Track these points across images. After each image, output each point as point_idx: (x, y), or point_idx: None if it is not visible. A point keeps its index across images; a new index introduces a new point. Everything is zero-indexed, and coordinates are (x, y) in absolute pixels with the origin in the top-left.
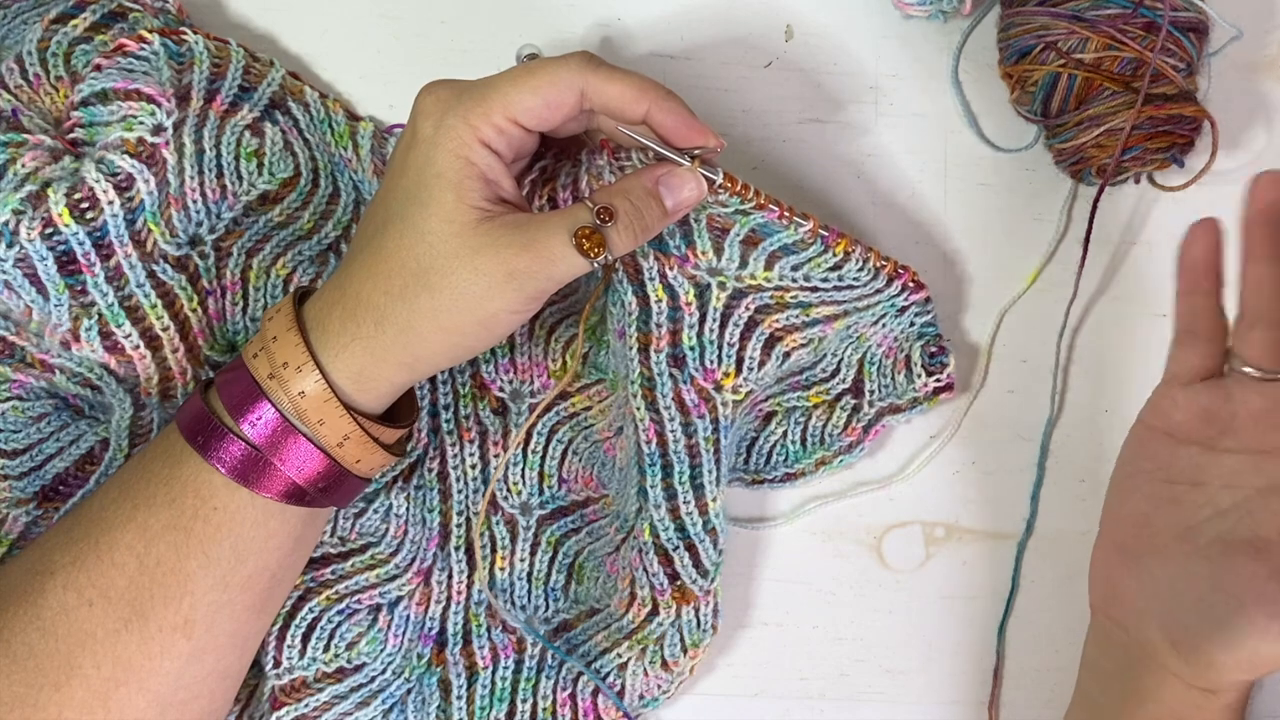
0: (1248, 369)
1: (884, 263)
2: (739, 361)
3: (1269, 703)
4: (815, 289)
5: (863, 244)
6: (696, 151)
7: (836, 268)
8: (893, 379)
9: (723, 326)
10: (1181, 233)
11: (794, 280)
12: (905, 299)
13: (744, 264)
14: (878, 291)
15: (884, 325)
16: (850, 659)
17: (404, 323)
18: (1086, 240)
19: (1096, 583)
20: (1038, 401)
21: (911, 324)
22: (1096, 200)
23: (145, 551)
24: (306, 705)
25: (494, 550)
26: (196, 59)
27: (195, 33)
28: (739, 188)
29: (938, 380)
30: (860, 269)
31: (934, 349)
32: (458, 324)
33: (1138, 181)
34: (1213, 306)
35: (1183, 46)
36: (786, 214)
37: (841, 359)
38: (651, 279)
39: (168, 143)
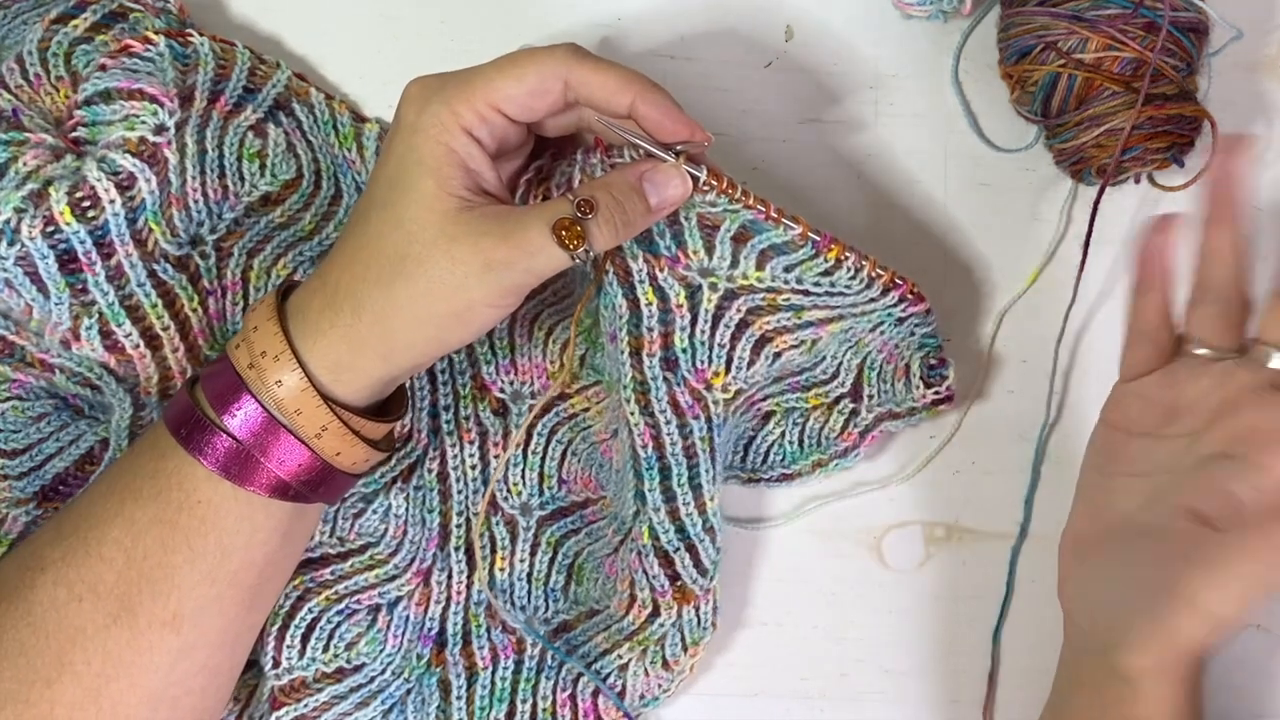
0: (1200, 350)
1: (880, 272)
2: (728, 361)
3: (1265, 701)
4: (807, 292)
5: (858, 251)
6: (682, 148)
7: (828, 273)
8: (892, 386)
9: (714, 327)
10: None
11: (786, 282)
12: (903, 310)
13: (735, 263)
14: (873, 300)
15: (883, 333)
16: (850, 659)
17: (380, 311)
18: (1087, 240)
19: (1059, 583)
20: (1038, 402)
21: (912, 334)
22: (1097, 200)
23: (133, 546)
24: (306, 705)
25: (494, 551)
26: (201, 60)
27: (200, 34)
28: (725, 185)
29: (936, 392)
30: (852, 277)
31: (934, 361)
32: (432, 314)
33: (1138, 181)
34: (1164, 304)
35: (1183, 46)
36: (774, 215)
37: (841, 362)
38: (641, 282)
39: (170, 142)
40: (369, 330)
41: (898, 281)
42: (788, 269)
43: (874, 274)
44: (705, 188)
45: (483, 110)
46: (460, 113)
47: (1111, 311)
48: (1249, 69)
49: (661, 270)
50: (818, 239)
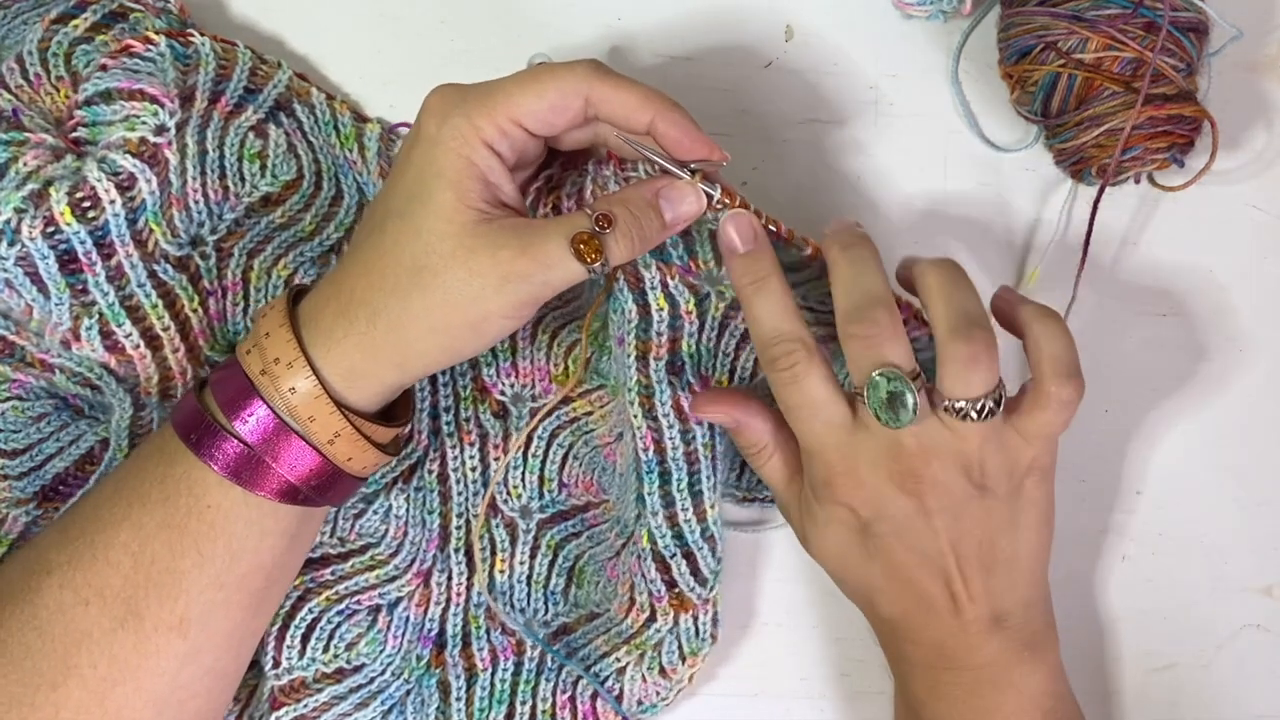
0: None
1: None
2: (732, 371)
3: (1265, 701)
4: (812, 309)
5: None
6: (697, 166)
7: None
8: None
9: (720, 336)
10: (1182, 233)
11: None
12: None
13: None
14: None
15: None
16: (850, 659)
17: (395, 320)
18: (1087, 240)
19: None
20: None
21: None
22: (1096, 200)
23: (140, 550)
24: (306, 706)
25: (494, 553)
26: (202, 60)
27: (201, 34)
28: (738, 204)
29: None
30: None
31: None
32: (447, 324)
33: (1138, 181)
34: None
35: (1183, 46)
36: (786, 235)
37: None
38: (653, 288)
39: (170, 143)
40: (383, 338)
41: (903, 304)
42: (794, 285)
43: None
44: (719, 205)
45: (503, 124)
46: (481, 126)
47: (1111, 312)
48: (1249, 69)
49: (673, 278)
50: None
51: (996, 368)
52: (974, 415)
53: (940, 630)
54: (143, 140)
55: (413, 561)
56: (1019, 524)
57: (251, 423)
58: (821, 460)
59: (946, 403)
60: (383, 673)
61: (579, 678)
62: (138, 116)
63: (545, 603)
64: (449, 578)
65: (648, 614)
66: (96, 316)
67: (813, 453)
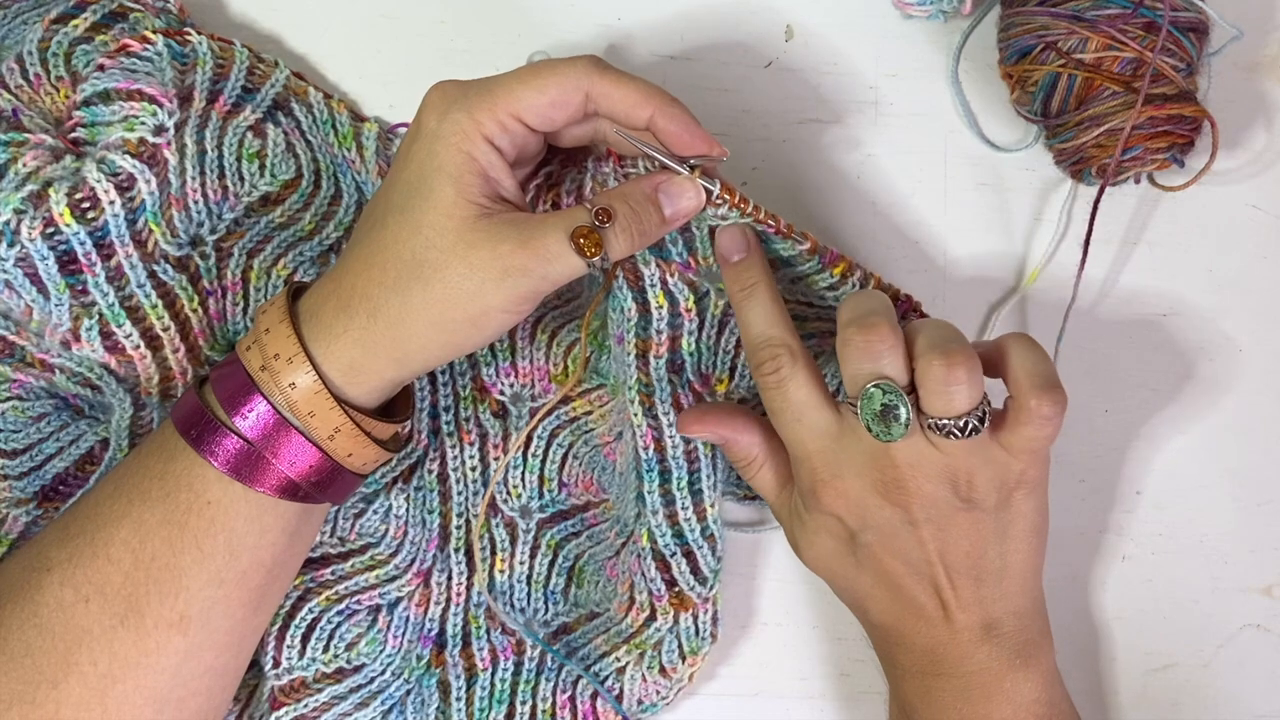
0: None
1: (884, 289)
2: (732, 368)
3: (1265, 701)
4: (811, 304)
5: (863, 268)
6: (697, 161)
7: (833, 287)
8: None
9: (719, 333)
10: (1182, 233)
11: (790, 293)
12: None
13: None
14: None
15: None
16: (850, 659)
17: (396, 315)
18: (1087, 240)
19: None
20: None
21: None
22: (1097, 200)
23: (140, 547)
24: (306, 705)
25: (493, 553)
26: (200, 60)
27: (199, 33)
28: (737, 200)
29: None
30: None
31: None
32: (447, 319)
33: (1138, 181)
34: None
35: (1183, 46)
36: (784, 230)
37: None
38: (652, 285)
39: (169, 143)
40: (383, 334)
41: (902, 299)
42: (794, 281)
43: (879, 290)
44: (718, 201)
45: (504, 119)
46: (482, 121)
47: (1111, 312)
48: (1249, 69)
49: (672, 275)
50: (824, 255)
51: (979, 385)
52: (957, 433)
53: (931, 637)
54: (142, 140)
55: (413, 561)
56: (1008, 535)
57: (251, 418)
58: (807, 467)
59: (930, 420)
60: (383, 673)
61: (579, 677)
62: (136, 117)
63: (545, 602)
64: (449, 577)
65: (648, 613)
66: (96, 317)
67: (799, 459)
